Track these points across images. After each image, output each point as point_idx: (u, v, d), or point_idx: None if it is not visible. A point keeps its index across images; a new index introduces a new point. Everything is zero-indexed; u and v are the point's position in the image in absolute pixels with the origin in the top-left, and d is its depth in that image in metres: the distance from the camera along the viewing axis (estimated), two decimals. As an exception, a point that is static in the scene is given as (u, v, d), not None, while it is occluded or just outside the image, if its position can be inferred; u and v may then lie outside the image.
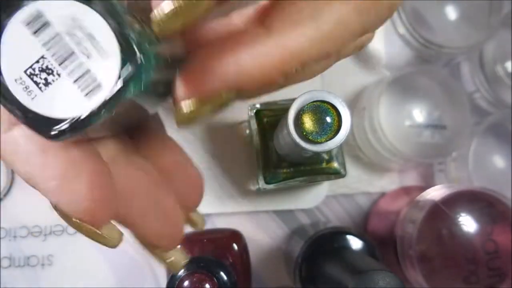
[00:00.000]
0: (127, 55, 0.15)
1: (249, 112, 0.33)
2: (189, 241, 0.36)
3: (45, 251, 0.42)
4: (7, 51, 0.15)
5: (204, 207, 0.42)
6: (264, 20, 0.18)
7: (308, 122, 0.22)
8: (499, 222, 0.34)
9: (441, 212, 0.34)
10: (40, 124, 0.15)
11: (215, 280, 0.30)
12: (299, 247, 0.35)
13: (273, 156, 0.32)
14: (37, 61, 0.15)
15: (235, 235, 0.37)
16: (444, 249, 0.33)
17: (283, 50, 0.17)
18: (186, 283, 0.30)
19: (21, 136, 0.17)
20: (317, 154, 0.30)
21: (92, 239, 0.18)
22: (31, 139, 0.17)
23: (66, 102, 0.15)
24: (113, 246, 0.18)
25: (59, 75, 0.15)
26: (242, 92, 0.17)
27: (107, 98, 0.15)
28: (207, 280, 0.30)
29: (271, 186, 0.32)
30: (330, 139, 0.23)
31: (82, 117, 0.15)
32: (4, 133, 0.17)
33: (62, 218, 0.17)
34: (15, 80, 0.15)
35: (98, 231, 0.17)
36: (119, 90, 0.15)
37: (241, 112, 0.39)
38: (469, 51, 0.42)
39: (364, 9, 0.18)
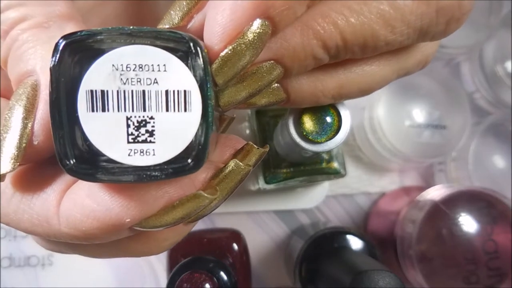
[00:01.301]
0: (204, 116, 0.15)
1: (249, 112, 0.33)
2: (189, 241, 0.36)
3: (45, 251, 0.42)
4: (96, 136, 0.15)
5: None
6: None
7: (308, 122, 0.22)
8: (499, 222, 0.34)
9: (441, 212, 0.34)
10: (180, 168, 0.15)
11: (215, 280, 0.30)
12: (299, 247, 0.35)
13: (273, 156, 0.32)
14: (128, 125, 0.15)
15: (235, 235, 0.37)
16: (444, 249, 0.33)
17: (322, 17, 0.16)
18: (186, 283, 0.30)
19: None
20: (317, 154, 0.30)
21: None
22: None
23: (178, 131, 0.15)
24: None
25: (153, 118, 0.15)
26: (284, 65, 0.17)
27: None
28: (207, 280, 0.30)
29: (271, 186, 0.32)
30: (330, 139, 0.22)
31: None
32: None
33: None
34: (128, 155, 0.15)
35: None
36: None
37: (241, 112, 0.38)
38: (469, 51, 0.42)
39: None
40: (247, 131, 0.38)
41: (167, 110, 0.15)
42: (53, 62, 0.14)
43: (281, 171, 0.32)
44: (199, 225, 0.42)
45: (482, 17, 0.42)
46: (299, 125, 0.22)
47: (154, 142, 0.15)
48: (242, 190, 0.40)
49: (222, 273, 0.31)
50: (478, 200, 0.34)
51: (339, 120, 0.22)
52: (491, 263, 0.33)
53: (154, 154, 0.15)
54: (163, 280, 0.42)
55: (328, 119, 0.22)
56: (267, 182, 0.32)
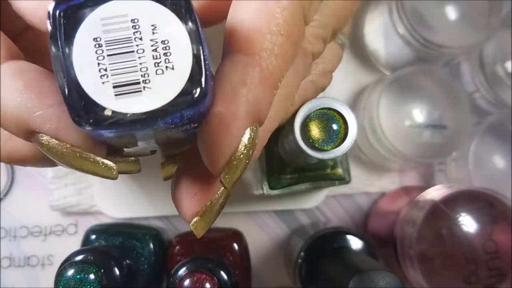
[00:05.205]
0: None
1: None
2: (189, 241, 0.36)
3: (45, 251, 0.42)
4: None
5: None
6: None
7: (315, 130, 0.22)
8: (499, 222, 0.34)
9: (441, 212, 0.34)
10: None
11: (216, 279, 0.30)
12: (299, 247, 0.35)
13: (278, 162, 0.32)
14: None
15: (235, 235, 0.37)
16: (444, 249, 0.33)
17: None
18: (186, 282, 0.30)
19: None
20: (322, 161, 0.30)
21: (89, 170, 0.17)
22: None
23: None
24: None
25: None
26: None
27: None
28: (208, 279, 0.30)
29: (275, 192, 0.32)
30: (337, 146, 0.22)
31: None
32: None
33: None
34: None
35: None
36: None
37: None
38: (469, 51, 0.41)
39: None
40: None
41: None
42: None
43: (285, 176, 0.32)
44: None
45: (482, 17, 0.41)
46: (305, 133, 0.22)
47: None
48: (244, 194, 0.40)
49: (222, 273, 0.31)
50: (478, 200, 0.34)
51: (345, 127, 0.22)
52: (491, 263, 0.33)
53: None
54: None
55: (335, 126, 0.22)
56: (271, 188, 0.32)
